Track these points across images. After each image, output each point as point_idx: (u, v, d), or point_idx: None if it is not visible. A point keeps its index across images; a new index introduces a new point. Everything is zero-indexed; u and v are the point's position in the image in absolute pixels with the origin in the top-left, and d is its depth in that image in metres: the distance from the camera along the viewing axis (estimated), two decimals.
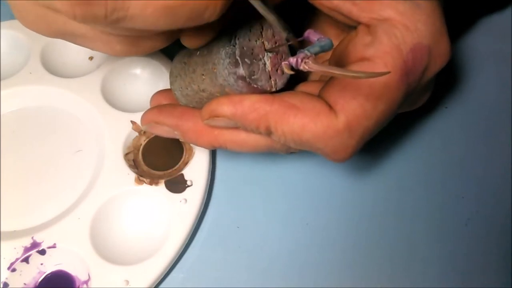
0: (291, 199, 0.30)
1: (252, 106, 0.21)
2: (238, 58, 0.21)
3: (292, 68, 0.21)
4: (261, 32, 0.22)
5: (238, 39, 0.21)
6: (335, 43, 0.24)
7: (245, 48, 0.21)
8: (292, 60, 0.20)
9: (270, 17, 0.19)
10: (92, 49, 0.21)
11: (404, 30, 0.21)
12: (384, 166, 0.32)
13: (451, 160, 0.32)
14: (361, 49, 0.21)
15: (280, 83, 0.22)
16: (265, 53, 0.22)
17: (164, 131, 0.25)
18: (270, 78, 0.22)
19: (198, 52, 0.23)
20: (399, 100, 0.21)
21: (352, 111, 0.20)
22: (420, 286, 0.28)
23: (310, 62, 0.20)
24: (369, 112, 0.21)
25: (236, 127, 0.22)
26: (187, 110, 0.24)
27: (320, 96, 0.22)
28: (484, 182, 0.31)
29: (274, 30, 0.23)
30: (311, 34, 0.21)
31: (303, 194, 0.30)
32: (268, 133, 0.22)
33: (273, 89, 0.22)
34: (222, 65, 0.21)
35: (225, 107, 0.21)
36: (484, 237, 0.29)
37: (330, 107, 0.21)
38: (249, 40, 0.21)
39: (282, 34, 0.20)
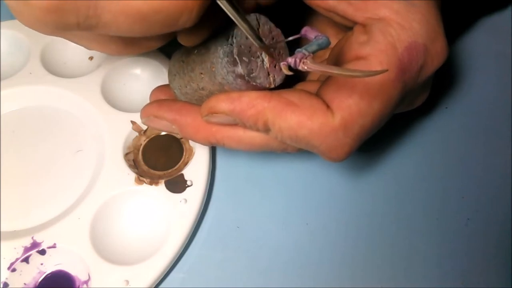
0: (291, 199, 0.30)
1: (251, 103, 0.21)
2: (236, 57, 0.21)
3: (290, 68, 0.21)
4: (258, 29, 0.22)
5: (235, 37, 0.21)
6: (334, 42, 0.24)
7: (242, 46, 0.21)
8: (290, 60, 0.20)
9: (243, 25, 0.18)
10: (88, 48, 0.21)
11: (399, 29, 0.21)
12: (384, 166, 0.32)
13: (451, 160, 0.32)
14: (357, 47, 0.21)
15: (279, 79, 0.22)
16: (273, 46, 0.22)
17: (162, 125, 0.25)
18: (268, 75, 0.22)
19: (196, 51, 0.23)
20: (395, 98, 0.21)
21: (347, 109, 0.20)
22: (420, 286, 0.28)
23: (308, 61, 0.20)
24: (364, 110, 0.21)
25: (234, 124, 0.23)
26: (186, 105, 0.24)
27: (317, 95, 0.22)
28: (484, 182, 0.31)
29: (271, 26, 0.22)
30: (308, 32, 0.21)
31: (303, 194, 0.30)
32: (266, 129, 0.22)
33: (272, 86, 0.22)
34: (221, 64, 0.21)
35: (223, 103, 0.21)
36: (484, 237, 0.29)
37: (327, 105, 0.21)
38: (246, 38, 0.21)
39: (255, 43, 0.20)
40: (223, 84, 0.22)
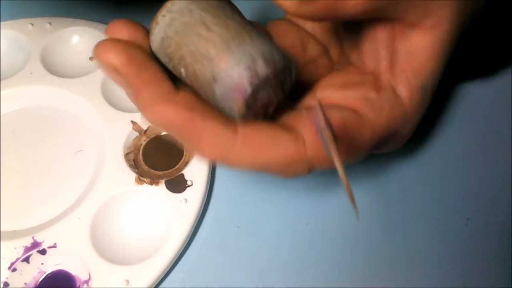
0: (291, 199, 0.30)
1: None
2: (277, 58, 0.17)
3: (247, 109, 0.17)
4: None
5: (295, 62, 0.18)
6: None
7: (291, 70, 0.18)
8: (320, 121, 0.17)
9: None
10: None
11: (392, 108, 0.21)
12: (384, 166, 0.32)
13: (451, 160, 0.32)
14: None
15: (251, 117, 0.18)
16: (278, 98, 0.19)
17: (120, 83, 0.18)
18: (248, 111, 0.18)
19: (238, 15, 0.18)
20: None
21: None
22: (420, 286, 0.28)
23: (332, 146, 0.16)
24: None
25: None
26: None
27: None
28: (484, 182, 0.31)
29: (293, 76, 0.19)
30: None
31: (303, 194, 0.30)
32: None
33: (240, 117, 0.18)
34: (253, 41, 0.17)
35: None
36: (484, 237, 0.29)
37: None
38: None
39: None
40: (220, 52, 0.17)
